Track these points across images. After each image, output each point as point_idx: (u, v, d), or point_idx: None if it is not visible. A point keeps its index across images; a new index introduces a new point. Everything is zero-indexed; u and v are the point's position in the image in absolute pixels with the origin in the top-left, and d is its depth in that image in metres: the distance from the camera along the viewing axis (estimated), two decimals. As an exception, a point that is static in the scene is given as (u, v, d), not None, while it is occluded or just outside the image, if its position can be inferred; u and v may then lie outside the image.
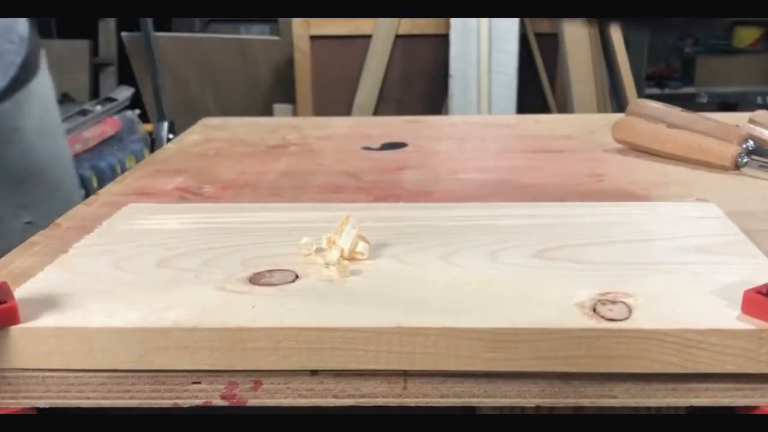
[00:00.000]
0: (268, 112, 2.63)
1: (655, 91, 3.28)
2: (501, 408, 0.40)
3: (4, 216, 0.83)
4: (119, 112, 2.24)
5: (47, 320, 0.39)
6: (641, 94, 2.48)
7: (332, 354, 0.38)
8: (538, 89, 2.44)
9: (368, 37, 2.43)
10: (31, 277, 0.45)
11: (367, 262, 0.46)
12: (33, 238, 0.57)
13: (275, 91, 2.65)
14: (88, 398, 0.40)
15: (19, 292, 0.42)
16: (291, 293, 0.42)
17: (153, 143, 2.32)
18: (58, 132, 0.92)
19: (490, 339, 0.38)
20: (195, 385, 0.40)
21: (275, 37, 2.69)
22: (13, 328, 0.39)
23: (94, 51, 3.36)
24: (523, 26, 2.34)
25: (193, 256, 0.48)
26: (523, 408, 0.40)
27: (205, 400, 0.40)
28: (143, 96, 2.67)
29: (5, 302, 0.39)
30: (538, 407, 0.39)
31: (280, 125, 0.98)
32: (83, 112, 2.04)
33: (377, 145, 0.85)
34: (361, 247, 0.47)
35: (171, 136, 2.29)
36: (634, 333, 0.37)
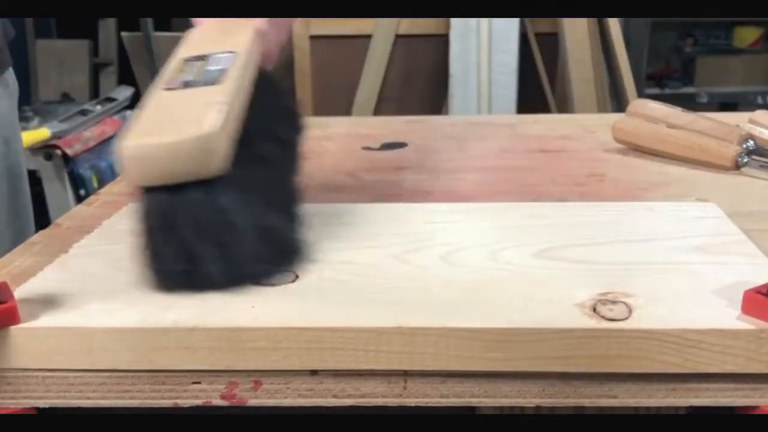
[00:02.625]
0: (268, 112, 2.62)
1: (655, 91, 3.28)
2: (501, 408, 0.40)
3: None
4: (119, 112, 2.23)
5: (47, 320, 0.39)
6: (641, 94, 2.48)
7: (332, 354, 0.38)
8: (538, 89, 2.44)
9: (368, 37, 2.42)
10: (31, 277, 0.45)
11: (368, 262, 0.46)
12: (33, 238, 0.56)
13: (275, 91, 2.65)
14: (88, 398, 0.40)
15: (19, 292, 0.42)
16: (291, 293, 0.42)
17: (153, 143, 2.32)
18: (18, 138, 0.85)
19: (490, 339, 0.38)
20: (195, 385, 0.40)
21: (275, 37, 2.68)
22: (13, 328, 0.39)
23: (94, 51, 3.35)
24: (523, 26, 2.34)
25: (193, 256, 0.48)
26: (523, 408, 0.40)
27: (205, 400, 0.40)
28: (143, 96, 2.67)
29: (5, 302, 0.39)
30: (538, 407, 0.39)
31: (280, 125, 0.97)
32: (83, 112, 2.04)
33: (377, 145, 0.85)
34: None
35: (171, 136, 2.28)
36: (634, 333, 0.37)
